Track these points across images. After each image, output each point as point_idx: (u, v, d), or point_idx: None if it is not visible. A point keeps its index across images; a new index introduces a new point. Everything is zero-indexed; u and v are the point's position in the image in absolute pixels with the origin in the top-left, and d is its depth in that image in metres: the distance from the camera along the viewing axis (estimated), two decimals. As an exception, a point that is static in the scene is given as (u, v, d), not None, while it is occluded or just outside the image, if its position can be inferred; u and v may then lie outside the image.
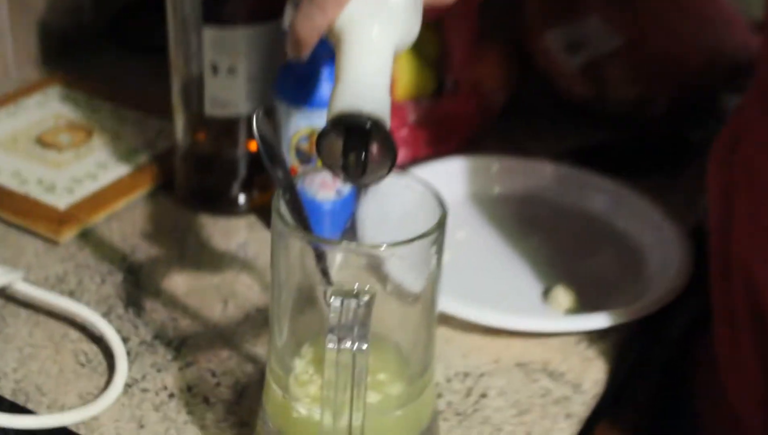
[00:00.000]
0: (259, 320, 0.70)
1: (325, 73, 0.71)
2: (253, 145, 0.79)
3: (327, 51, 0.59)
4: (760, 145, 0.61)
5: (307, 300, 0.55)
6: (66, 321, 0.68)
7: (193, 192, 0.81)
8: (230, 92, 0.76)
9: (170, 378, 0.64)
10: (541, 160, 0.85)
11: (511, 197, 0.83)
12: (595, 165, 0.84)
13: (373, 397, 0.54)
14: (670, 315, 0.72)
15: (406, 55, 0.84)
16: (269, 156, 0.55)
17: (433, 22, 0.84)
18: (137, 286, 0.72)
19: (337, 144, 0.52)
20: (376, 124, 0.51)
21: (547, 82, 0.94)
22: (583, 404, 0.65)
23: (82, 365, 0.65)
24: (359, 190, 0.62)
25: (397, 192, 0.57)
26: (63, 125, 0.88)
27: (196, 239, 0.78)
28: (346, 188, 0.72)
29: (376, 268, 0.53)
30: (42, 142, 0.85)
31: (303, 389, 0.56)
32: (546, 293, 0.73)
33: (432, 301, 0.55)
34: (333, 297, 0.50)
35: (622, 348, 0.70)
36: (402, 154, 0.83)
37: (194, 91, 0.77)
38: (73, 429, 0.60)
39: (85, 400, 0.62)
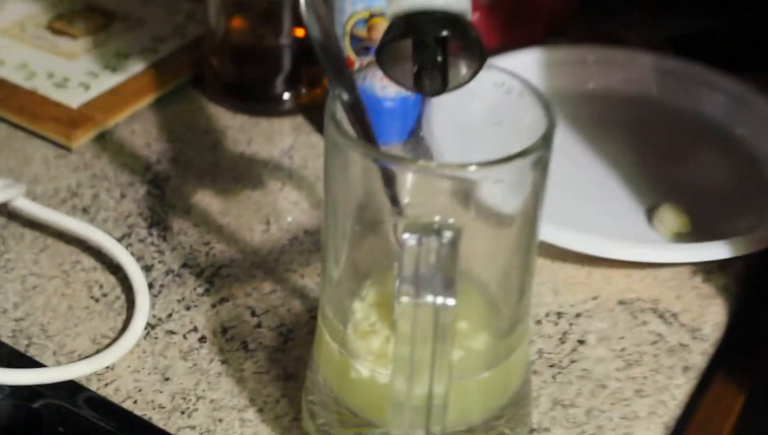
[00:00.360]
0: (308, 245, 0.58)
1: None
2: (301, 32, 0.67)
3: None
4: None
5: (370, 224, 0.43)
6: (78, 245, 0.57)
7: (230, 88, 0.69)
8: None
9: (201, 317, 0.53)
10: (640, 51, 0.71)
11: (605, 97, 0.70)
12: (705, 57, 0.70)
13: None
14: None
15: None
16: (322, 46, 0.43)
17: None
18: (163, 201, 0.61)
19: (405, 53, 0.41)
20: (455, 23, 0.40)
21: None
22: (702, 353, 0.53)
23: (96, 300, 0.54)
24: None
25: (480, 88, 0.45)
26: (78, 9, 0.76)
27: (233, 145, 0.66)
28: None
29: (458, 190, 0.41)
30: (54, 28, 0.73)
31: (364, 342, 0.44)
32: (650, 213, 0.61)
33: (530, 230, 0.43)
34: (407, 234, 0.38)
35: (747, 282, 0.57)
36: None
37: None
38: (83, 382, 0.49)
39: (99, 344, 0.51)
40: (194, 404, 0.49)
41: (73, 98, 0.66)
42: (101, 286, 0.55)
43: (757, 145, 0.66)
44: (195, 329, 0.53)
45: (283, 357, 0.51)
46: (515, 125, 0.43)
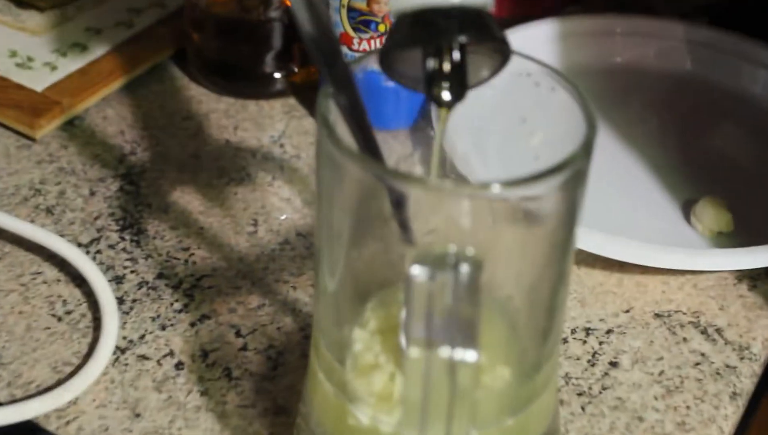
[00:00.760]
0: (300, 250, 0.51)
1: None
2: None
3: None
4: None
5: (371, 225, 0.37)
6: (40, 252, 0.50)
7: (213, 67, 0.62)
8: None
9: (178, 339, 0.47)
10: (671, 21, 0.64)
11: (633, 72, 0.63)
12: (743, 27, 0.63)
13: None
14: None
15: None
16: (311, 35, 0.35)
17: None
18: (137, 199, 0.54)
19: (414, 59, 0.34)
20: (475, 22, 0.34)
21: None
22: (752, 377, 0.46)
23: (59, 319, 0.47)
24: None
25: (500, 77, 0.38)
26: (46, -23, 0.68)
27: (217, 132, 0.59)
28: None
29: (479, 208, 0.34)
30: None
31: (365, 381, 0.37)
32: (687, 208, 0.54)
33: (566, 232, 0.36)
34: (416, 266, 0.31)
35: (799, 290, 0.51)
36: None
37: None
38: (40, 421, 0.43)
39: (60, 373, 0.45)
40: (169, 446, 0.42)
41: (38, 80, 0.59)
42: (65, 302, 0.48)
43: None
44: (171, 353, 0.46)
45: (271, 386, 0.45)
46: (544, 124, 0.37)
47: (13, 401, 0.43)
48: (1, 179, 0.55)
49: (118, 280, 0.49)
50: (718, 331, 0.48)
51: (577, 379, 0.45)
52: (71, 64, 0.61)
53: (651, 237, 0.50)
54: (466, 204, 0.33)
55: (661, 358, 0.46)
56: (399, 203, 0.33)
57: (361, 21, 0.55)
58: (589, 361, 0.46)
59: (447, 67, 0.34)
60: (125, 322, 0.47)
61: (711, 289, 0.50)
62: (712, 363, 0.46)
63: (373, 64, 0.38)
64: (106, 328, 0.46)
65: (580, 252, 0.49)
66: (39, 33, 0.63)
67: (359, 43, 0.56)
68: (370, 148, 0.35)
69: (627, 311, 0.49)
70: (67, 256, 0.48)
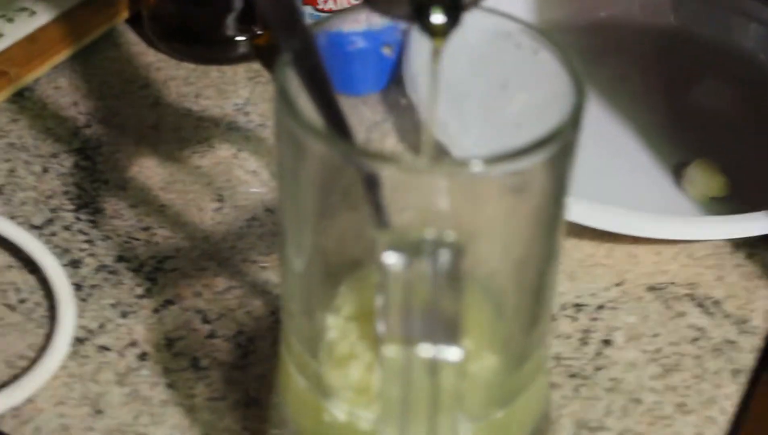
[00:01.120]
0: (270, 227, 0.48)
1: None
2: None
3: None
4: None
5: (340, 205, 0.33)
6: (-10, 236, 0.47)
7: (172, 30, 0.58)
8: None
9: (141, 327, 0.43)
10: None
11: (616, 27, 0.60)
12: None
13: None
14: None
15: None
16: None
17: None
18: (93, 175, 0.50)
19: None
20: None
21: None
22: (752, 351, 0.44)
23: (13, 309, 0.44)
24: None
25: (478, 38, 0.34)
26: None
27: (177, 100, 0.55)
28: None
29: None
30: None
31: (341, 373, 0.34)
32: (678, 172, 0.51)
33: (553, 214, 0.33)
34: (390, 253, 0.28)
35: (799, 256, 0.48)
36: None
37: None
38: (-6, 422, 0.40)
39: (15, 368, 0.42)
40: (133, 445, 0.39)
41: (-17, 49, 0.55)
42: (18, 290, 0.45)
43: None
44: (134, 343, 0.43)
45: (242, 376, 0.41)
46: (526, 90, 0.34)
47: (-37, 402, 0.40)
48: (-54, 157, 0.51)
49: (74, 264, 0.46)
50: (716, 303, 0.45)
51: (569, 359, 0.43)
52: (18, 31, 0.56)
53: (640, 204, 0.47)
54: (443, 183, 0.30)
55: (657, 335, 0.44)
56: (371, 183, 0.30)
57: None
58: (580, 339, 0.44)
59: None
60: (84, 310, 0.44)
61: (706, 258, 0.47)
62: (711, 338, 0.44)
63: (339, 25, 0.34)
64: (62, 317, 0.42)
65: (567, 223, 0.46)
66: (-17, -3, 0.59)
67: (325, 2, 0.52)
68: (336, 123, 0.31)
69: (619, 285, 0.46)
70: (16, 241, 0.45)
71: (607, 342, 0.43)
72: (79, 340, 0.43)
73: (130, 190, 0.49)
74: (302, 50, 0.31)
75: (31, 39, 0.56)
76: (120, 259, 0.46)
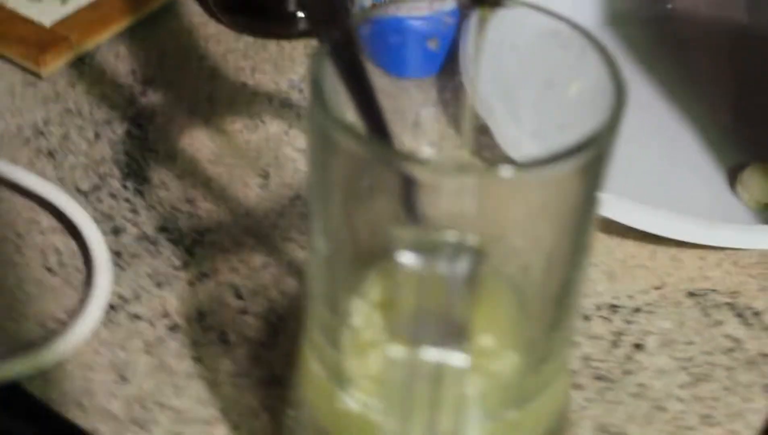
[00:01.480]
0: (310, 207, 0.48)
1: None
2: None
3: None
4: None
5: (371, 196, 0.33)
6: (38, 198, 0.48)
7: (234, 3, 0.58)
8: None
9: (174, 298, 0.44)
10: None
11: (684, 21, 0.58)
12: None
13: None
14: None
15: None
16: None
17: None
18: (144, 145, 0.51)
19: None
20: None
21: None
22: (790, 366, 0.42)
23: (53, 272, 0.45)
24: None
25: (525, 38, 0.34)
26: None
27: (234, 74, 0.55)
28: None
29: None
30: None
31: (360, 362, 0.34)
32: (733, 176, 0.50)
33: (581, 219, 0.32)
34: (407, 253, 0.28)
35: None
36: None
37: None
38: (24, 382, 0.40)
39: (46, 329, 0.42)
40: (154, 415, 0.40)
41: (47, 14, 0.56)
42: (59, 253, 0.46)
43: None
44: (166, 314, 0.43)
45: (269, 354, 0.42)
46: (570, 90, 0.33)
47: (-5, 360, 0.41)
48: (4, 119, 0.52)
49: (116, 232, 0.46)
50: (756, 314, 0.44)
51: (597, 361, 0.42)
52: (83, -2, 0.57)
53: (690, 207, 0.46)
54: (473, 185, 0.30)
55: (691, 343, 0.43)
56: (410, 188, 0.30)
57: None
58: (612, 341, 0.43)
59: None
60: (120, 278, 0.44)
61: (752, 267, 0.46)
62: (746, 350, 0.43)
63: (397, 10, 0.34)
64: (98, 284, 0.43)
65: (612, 221, 0.45)
66: (53, -38, 0.60)
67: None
68: (371, 118, 0.31)
69: (658, 288, 0.45)
70: (60, 206, 0.45)
71: (638, 346, 0.43)
72: (112, 307, 0.43)
73: (179, 161, 0.50)
74: (342, 42, 0.31)
75: (94, 6, 0.57)
76: (162, 229, 0.47)
